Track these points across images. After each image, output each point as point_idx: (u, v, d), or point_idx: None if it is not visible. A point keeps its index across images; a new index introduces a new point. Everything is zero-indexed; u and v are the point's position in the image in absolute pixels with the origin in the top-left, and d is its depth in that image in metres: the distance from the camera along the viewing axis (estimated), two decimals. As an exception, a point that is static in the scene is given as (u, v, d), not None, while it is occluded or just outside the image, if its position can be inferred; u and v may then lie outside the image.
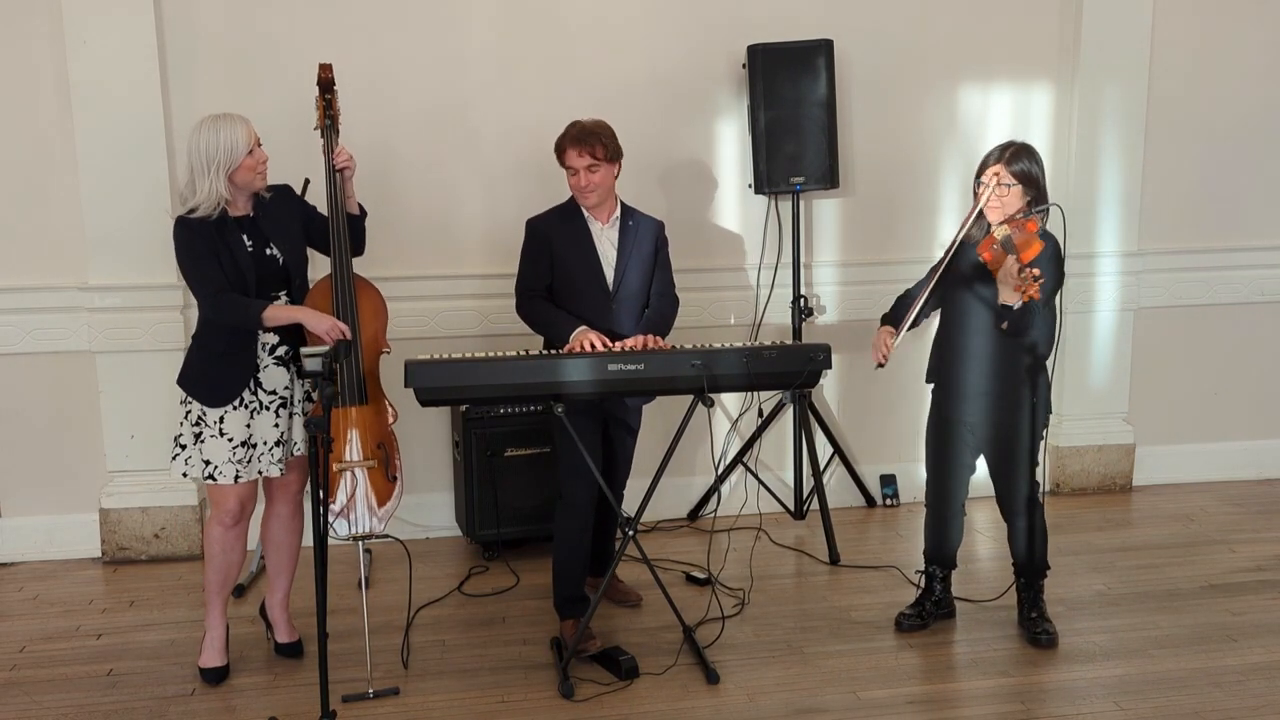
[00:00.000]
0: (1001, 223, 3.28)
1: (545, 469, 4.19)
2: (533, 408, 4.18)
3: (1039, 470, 3.46)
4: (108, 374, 4.25)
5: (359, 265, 3.42)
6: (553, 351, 3.36)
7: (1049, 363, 3.39)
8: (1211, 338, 5.05)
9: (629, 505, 3.62)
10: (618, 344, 3.35)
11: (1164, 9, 4.75)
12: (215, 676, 3.32)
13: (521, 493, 4.27)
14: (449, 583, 4.07)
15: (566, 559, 3.50)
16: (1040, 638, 3.46)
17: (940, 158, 4.74)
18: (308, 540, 3.23)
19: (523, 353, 3.30)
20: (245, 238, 3.21)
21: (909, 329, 3.42)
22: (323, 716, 2.84)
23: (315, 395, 3.20)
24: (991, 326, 3.33)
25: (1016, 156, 3.30)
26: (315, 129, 3.40)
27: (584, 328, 3.36)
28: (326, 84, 3.42)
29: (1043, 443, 3.45)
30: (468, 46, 4.38)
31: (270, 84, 4.20)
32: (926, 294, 3.41)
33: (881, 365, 3.42)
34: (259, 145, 3.20)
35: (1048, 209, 3.33)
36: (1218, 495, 4.93)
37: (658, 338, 3.41)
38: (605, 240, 3.52)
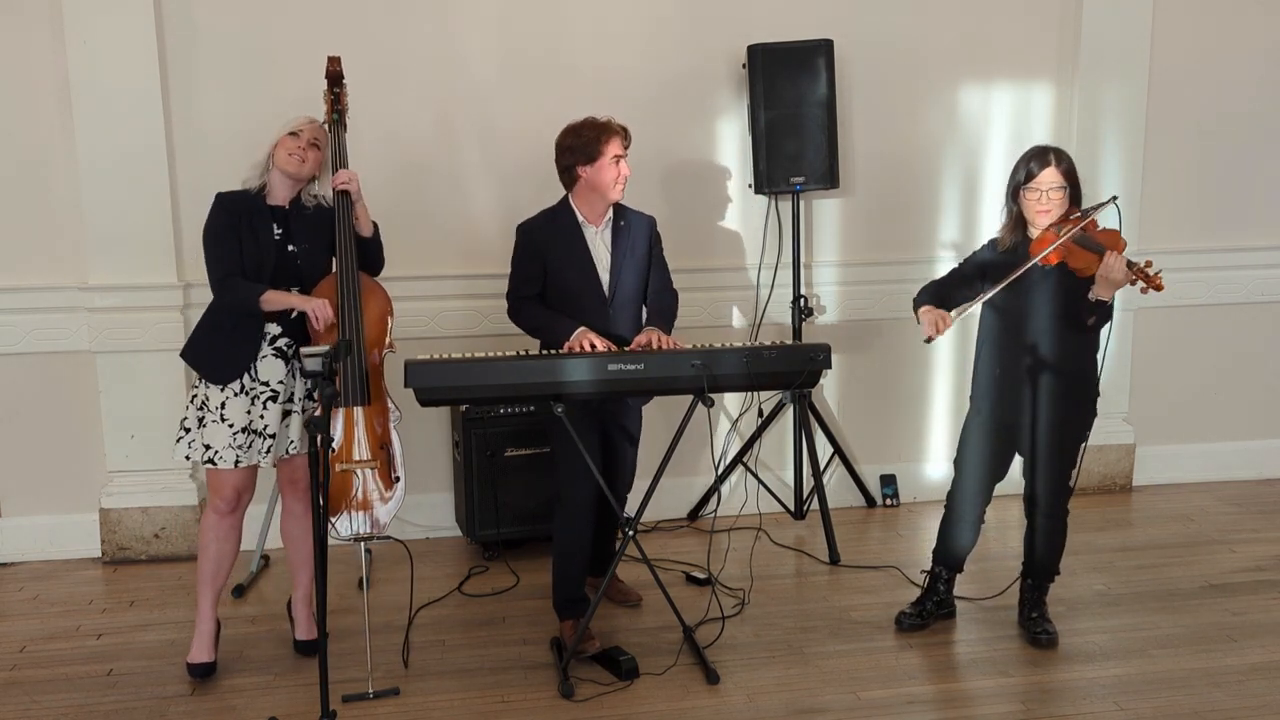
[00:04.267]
0: (1053, 225, 3.26)
1: (545, 469, 4.19)
2: (532, 408, 4.18)
3: (1074, 473, 3.45)
4: (108, 374, 4.25)
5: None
6: (552, 352, 3.35)
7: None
8: (1211, 338, 5.05)
9: (629, 505, 3.63)
10: (634, 341, 3.36)
11: (1164, 9, 4.75)
12: (201, 672, 3.31)
13: (521, 493, 4.27)
14: (449, 583, 4.07)
15: (566, 559, 3.49)
16: (1040, 638, 3.46)
17: (940, 158, 4.74)
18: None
19: (523, 353, 3.30)
20: (275, 225, 3.27)
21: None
22: (323, 716, 2.83)
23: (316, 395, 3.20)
24: (1053, 327, 3.32)
25: (1060, 158, 3.29)
26: (323, 124, 3.39)
27: (584, 329, 3.35)
28: (335, 77, 3.42)
29: (1084, 445, 3.44)
30: (469, 47, 4.38)
31: (271, 83, 4.19)
32: (993, 293, 3.29)
33: (930, 340, 3.34)
34: (311, 145, 3.26)
35: (1105, 204, 3.28)
36: (1218, 495, 4.93)
37: (665, 335, 3.40)
38: (599, 243, 3.49)
